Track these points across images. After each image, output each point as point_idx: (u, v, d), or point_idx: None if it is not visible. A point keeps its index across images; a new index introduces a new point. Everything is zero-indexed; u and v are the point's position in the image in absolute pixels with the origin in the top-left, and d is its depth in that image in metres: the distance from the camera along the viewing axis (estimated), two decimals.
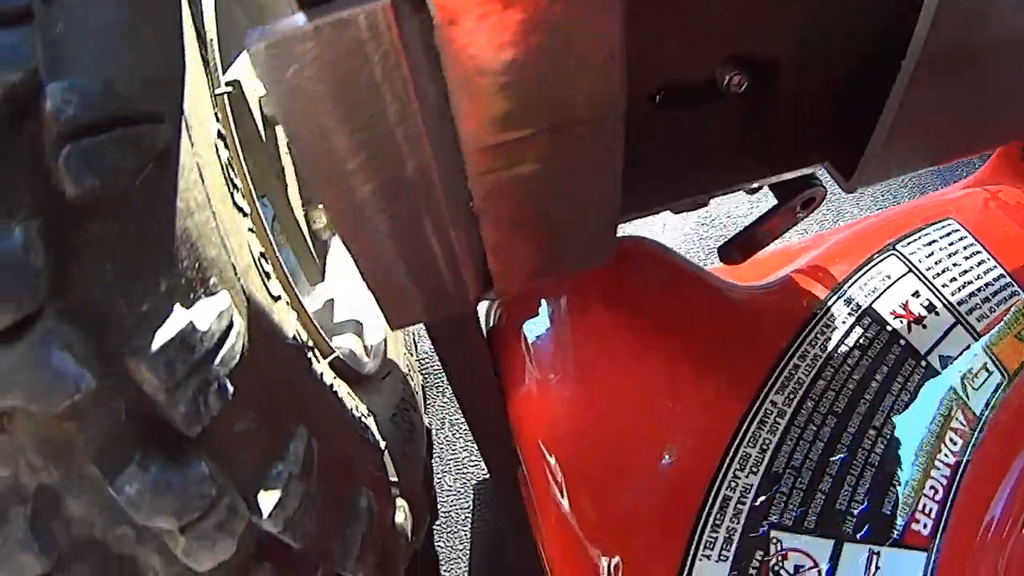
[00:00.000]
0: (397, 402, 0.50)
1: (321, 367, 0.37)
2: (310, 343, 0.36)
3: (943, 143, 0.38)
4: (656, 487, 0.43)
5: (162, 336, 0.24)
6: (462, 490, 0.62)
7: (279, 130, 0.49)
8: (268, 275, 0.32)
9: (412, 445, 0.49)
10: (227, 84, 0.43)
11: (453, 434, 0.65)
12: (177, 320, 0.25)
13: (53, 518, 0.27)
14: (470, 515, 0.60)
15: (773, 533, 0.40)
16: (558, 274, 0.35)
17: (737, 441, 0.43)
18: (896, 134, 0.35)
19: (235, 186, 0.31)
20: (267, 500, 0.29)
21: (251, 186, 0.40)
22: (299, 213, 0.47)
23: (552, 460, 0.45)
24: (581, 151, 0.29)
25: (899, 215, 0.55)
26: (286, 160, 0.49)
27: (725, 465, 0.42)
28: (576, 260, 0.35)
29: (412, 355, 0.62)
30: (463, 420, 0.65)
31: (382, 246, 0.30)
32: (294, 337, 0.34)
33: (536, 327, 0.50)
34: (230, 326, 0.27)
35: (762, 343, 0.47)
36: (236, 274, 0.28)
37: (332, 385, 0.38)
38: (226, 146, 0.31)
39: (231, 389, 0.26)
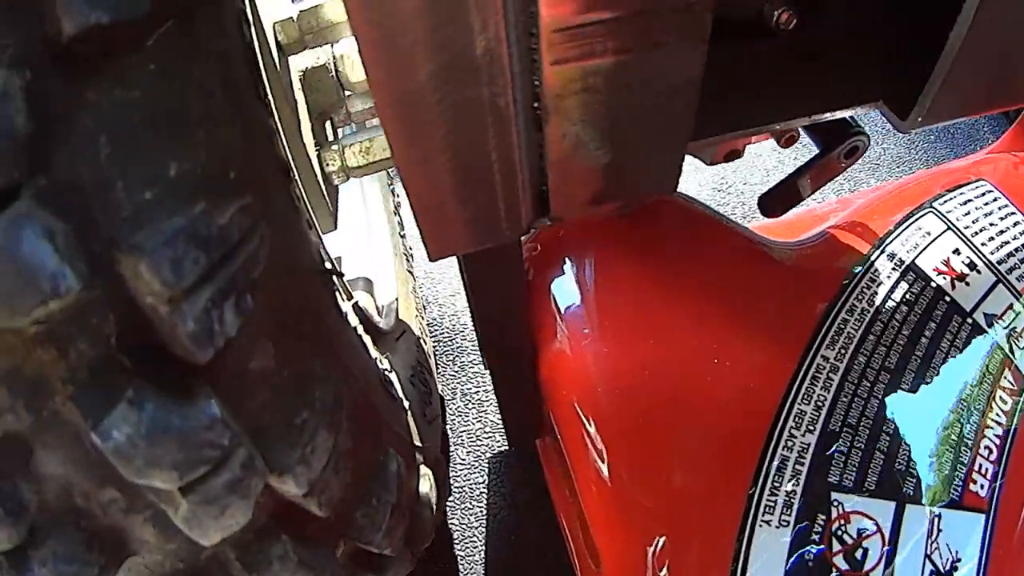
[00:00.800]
0: (413, 363, 0.44)
1: (346, 306, 0.30)
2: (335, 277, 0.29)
3: (1007, 84, 0.35)
4: (706, 449, 0.38)
5: (169, 226, 0.18)
6: (476, 463, 0.56)
7: (292, 61, 0.42)
8: (293, 183, 0.25)
9: (431, 409, 0.43)
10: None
11: (465, 405, 0.59)
12: (189, 209, 0.18)
13: (22, 477, 0.20)
14: (485, 490, 0.54)
15: (834, 495, 0.36)
16: (620, 202, 0.30)
17: (791, 398, 0.38)
18: (957, 73, 0.31)
19: (259, 76, 0.24)
20: (289, 455, 0.23)
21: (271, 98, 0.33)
22: (312, 154, 0.41)
23: (591, 425, 0.39)
24: (665, 43, 0.23)
25: (928, 177, 0.52)
26: (299, 96, 0.42)
27: (780, 423, 0.37)
28: (641, 185, 0.30)
29: (423, 319, 0.56)
30: (476, 390, 0.60)
31: (434, 146, 0.24)
32: (320, 262, 0.27)
33: (565, 286, 0.44)
34: (255, 226, 0.20)
35: (806, 297, 0.43)
36: (259, 172, 0.22)
37: (356, 329, 0.31)
38: (250, 31, 0.24)
39: (251, 304, 0.20)
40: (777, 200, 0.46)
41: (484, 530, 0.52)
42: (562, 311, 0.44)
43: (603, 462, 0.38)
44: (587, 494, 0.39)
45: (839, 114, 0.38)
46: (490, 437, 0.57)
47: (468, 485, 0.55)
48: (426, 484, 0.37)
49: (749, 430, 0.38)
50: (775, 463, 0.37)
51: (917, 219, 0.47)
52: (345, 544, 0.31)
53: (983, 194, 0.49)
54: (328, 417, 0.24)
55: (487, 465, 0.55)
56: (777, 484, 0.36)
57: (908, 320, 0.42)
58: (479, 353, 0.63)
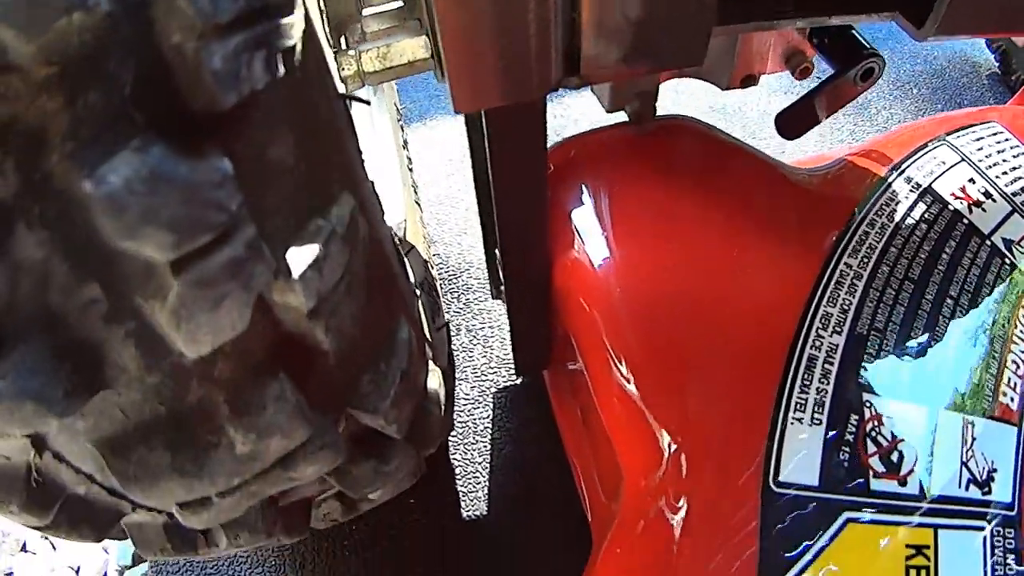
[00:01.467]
0: (421, 279, 0.40)
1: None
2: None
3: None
4: (733, 355, 0.35)
5: None
6: (480, 399, 0.52)
7: None
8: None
9: (439, 319, 0.40)
10: None
11: (470, 341, 0.56)
12: None
13: None
14: (489, 425, 0.51)
15: (866, 396, 0.33)
16: (647, 66, 0.28)
17: (815, 301, 0.36)
18: None
19: None
20: (300, 256, 0.20)
21: None
22: (329, 57, 0.38)
23: (613, 345, 0.36)
24: None
25: (939, 118, 0.51)
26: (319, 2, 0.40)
27: (806, 325, 0.35)
28: (669, 50, 0.28)
29: (429, 250, 0.53)
30: (481, 327, 0.56)
31: None
32: (343, 92, 0.25)
33: (584, 211, 0.42)
34: (292, 1, 0.18)
35: (826, 211, 0.41)
36: None
37: (373, 185, 0.29)
38: None
39: (280, 69, 0.17)
40: (793, 120, 0.44)
41: (488, 465, 0.48)
42: (582, 235, 0.41)
43: (626, 375, 0.35)
44: (608, 408, 0.36)
45: (855, 19, 0.37)
46: (495, 372, 0.53)
47: (472, 420, 0.51)
48: (435, 380, 0.34)
49: (775, 331, 0.35)
50: (804, 361, 0.34)
51: (931, 150, 0.46)
52: (347, 421, 0.27)
53: (995, 134, 0.48)
54: (344, 232, 0.21)
55: (492, 400, 0.52)
56: (807, 382, 0.33)
57: (928, 237, 0.40)
58: (485, 290, 0.60)
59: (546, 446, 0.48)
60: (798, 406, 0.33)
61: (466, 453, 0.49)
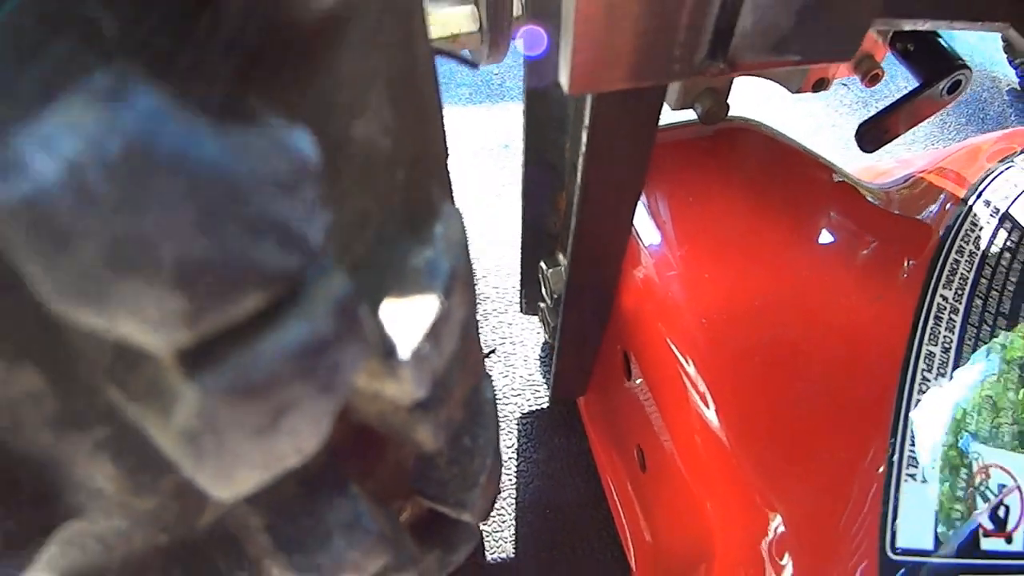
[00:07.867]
0: None
1: None
2: None
3: None
4: (831, 391, 0.31)
5: None
6: (502, 426, 0.46)
7: None
8: None
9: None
10: None
11: (492, 363, 0.49)
12: None
13: None
14: (514, 455, 0.45)
15: (973, 446, 0.30)
16: (797, 58, 0.23)
17: (918, 339, 0.32)
18: None
19: None
20: (411, 319, 0.12)
21: None
22: None
23: (689, 365, 0.31)
24: None
25: (1005, 135, 0.49)
26: None
27: (911, 367, 0.31)
28: (823, 43, 0.23)
29: None
30: (501, 341, 0.50)
31: None
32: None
33: (652, 222, 0.37)
34: None
35: (912, 235, 0.38)
36: None
37: None
38: None
39: None
40: (875, 133, 0.41)
41: (514, 501, 0.42)
42: (647, 235, 0.36)
43: (718, 425, 0.30)
44: (694, 462, 0.31)
45: (960, 26, 0.34)
46: (519, 395, 0.47)
47: None
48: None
49: (879, 369, 0.31)
50: (913, 410, 0.30)
51: (1003, 172, 0.44)
52: (411, 507, 0.20)
53: None
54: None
55: (516, 427, 0.46)
56: (916, 433, 0.30)
57: (1012, 267, 0.38)
58: (504, 301, 0.53)
59: (579, 480, 0.43)
60: (910, 461, 0.29)
61: None
